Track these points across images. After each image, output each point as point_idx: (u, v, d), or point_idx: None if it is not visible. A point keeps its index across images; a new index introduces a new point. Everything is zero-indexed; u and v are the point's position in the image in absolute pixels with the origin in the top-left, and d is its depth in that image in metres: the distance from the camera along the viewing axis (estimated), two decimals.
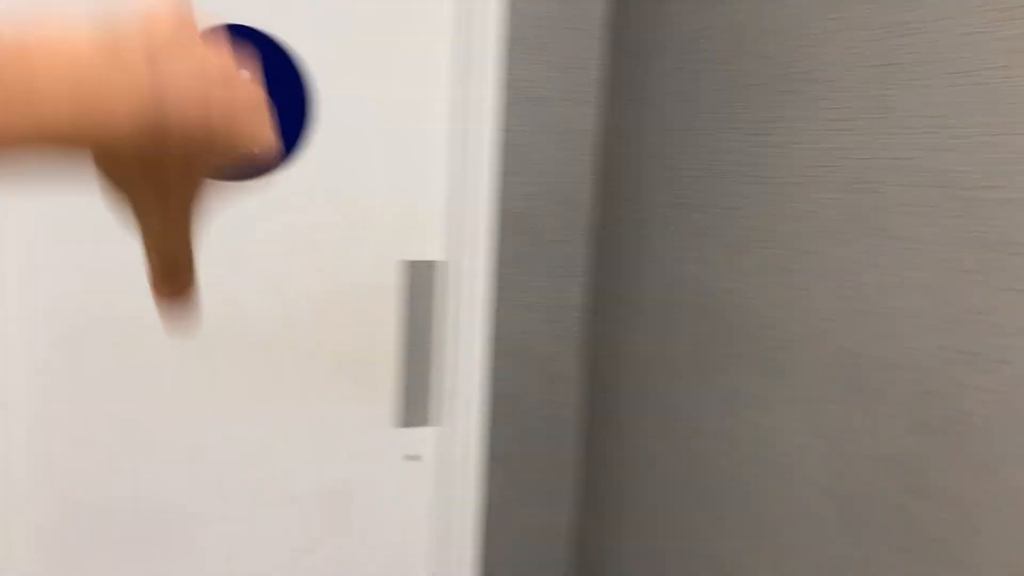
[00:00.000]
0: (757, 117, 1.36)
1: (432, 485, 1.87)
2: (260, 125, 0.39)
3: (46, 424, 1.60)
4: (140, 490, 1.66)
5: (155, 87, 0.33)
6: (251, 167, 0.40)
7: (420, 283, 1.79)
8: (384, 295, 1.78)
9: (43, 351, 1.58)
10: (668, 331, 1.59)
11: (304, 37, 1.64)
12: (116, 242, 1.58)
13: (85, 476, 1.63)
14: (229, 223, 1.65)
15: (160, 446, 1.67)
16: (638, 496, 1.69)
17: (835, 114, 1.21)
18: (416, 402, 1.83)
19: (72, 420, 1.61)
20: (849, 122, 1.19)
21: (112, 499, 1.65)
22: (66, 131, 0.30)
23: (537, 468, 1.89)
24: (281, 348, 1.72)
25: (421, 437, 1.85)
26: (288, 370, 1.73)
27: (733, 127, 1.42)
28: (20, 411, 1.58)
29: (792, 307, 1.29)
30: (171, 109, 0.33)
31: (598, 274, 1.84)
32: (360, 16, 1.67)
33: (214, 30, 0.39)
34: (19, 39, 0.30)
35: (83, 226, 1.56)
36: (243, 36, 1.60)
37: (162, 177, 0.36)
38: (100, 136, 0.31)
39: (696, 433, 1.51)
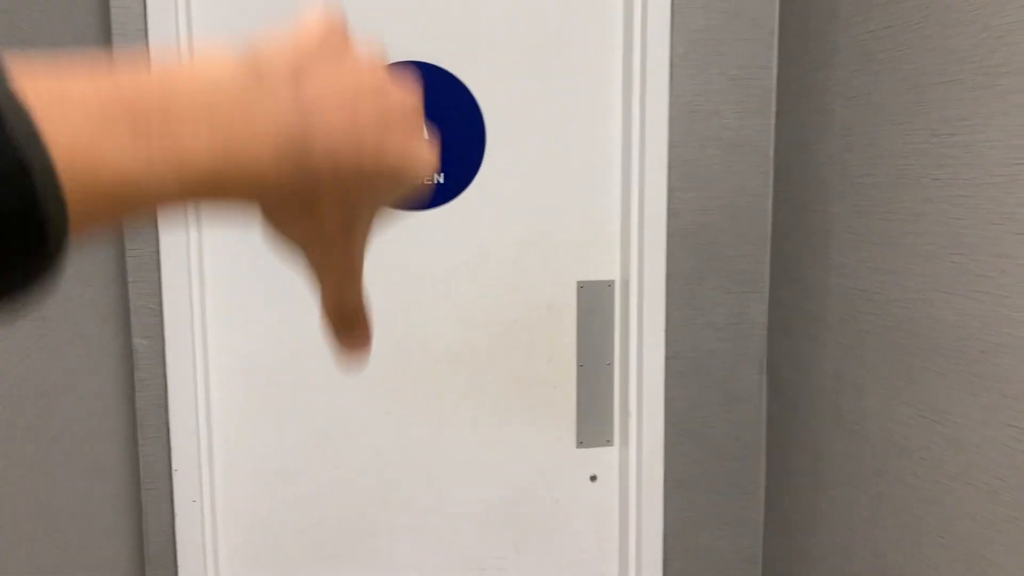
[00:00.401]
0: (944, 116, 1.28)
1: (615, 506, 1.87)
2: (414, 141, 0.35)
3: (243, 446, 1.74)
4: (333, 507, 1.77)
5: (300, 112, 0.30)
6: (409, 193, 0.37)
7: (597, 303, 1.81)
8: (561, 316, 1.81)
9: (241, 377, 1.72)
10: (855, 345, 1.52)
11: (474, 65, 1.71)
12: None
13: (280, 494, 1.76)
14: (411, 248, 1.73)
15: (351, 464, 1.77)
16: (828, 519, 1.61)
17: None
18: (595, 422, 1.84)
19: (267, 442, 1.74)
20: None
21: (306, 516, 1.77)
22: (206, 165, 0.28)
23: (721, 490, 1.84)
24: (463, 369, 1.78)
25: (602, 457, 1.85)
26: (470, 390, 1.79)
27: (918, 128, 1.34)
28: (219, 436, 1.73)
29: (991, 316, 1.20)
30: (317, 135, 0.31)
31: (778, 289, 1.78)
32: (528, 41, 1.73)
33: (369, 42, 0.36)
34: (160, 68, 0.29)
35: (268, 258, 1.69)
36: (415, 69, 1.69)
37: (317, 212, 0.33)
38: (243, 170, 0.29)
39: (889, 452, 1.43)
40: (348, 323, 0.39)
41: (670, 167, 1.74)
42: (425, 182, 0.37)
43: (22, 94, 0.25)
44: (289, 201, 0.31)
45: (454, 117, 1.72)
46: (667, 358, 1.78)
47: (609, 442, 1.85)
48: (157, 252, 1.61)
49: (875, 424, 1.47)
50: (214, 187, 0.29)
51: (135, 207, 0.27)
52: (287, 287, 1.70)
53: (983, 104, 1.21)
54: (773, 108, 1.77)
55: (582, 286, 1.80)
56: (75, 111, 0.26)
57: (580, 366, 1.82)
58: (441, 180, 1.73)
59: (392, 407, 1.77)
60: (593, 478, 1.85)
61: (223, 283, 1.69)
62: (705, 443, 1.82)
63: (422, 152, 0.36)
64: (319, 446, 1.75)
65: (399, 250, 1.73)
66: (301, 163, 0.30)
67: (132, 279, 1.61)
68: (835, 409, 1.58)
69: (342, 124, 0.32)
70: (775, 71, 1.76)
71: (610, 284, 1.81)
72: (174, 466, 1.66)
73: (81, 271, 1.43)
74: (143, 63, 0.29)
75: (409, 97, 0.36)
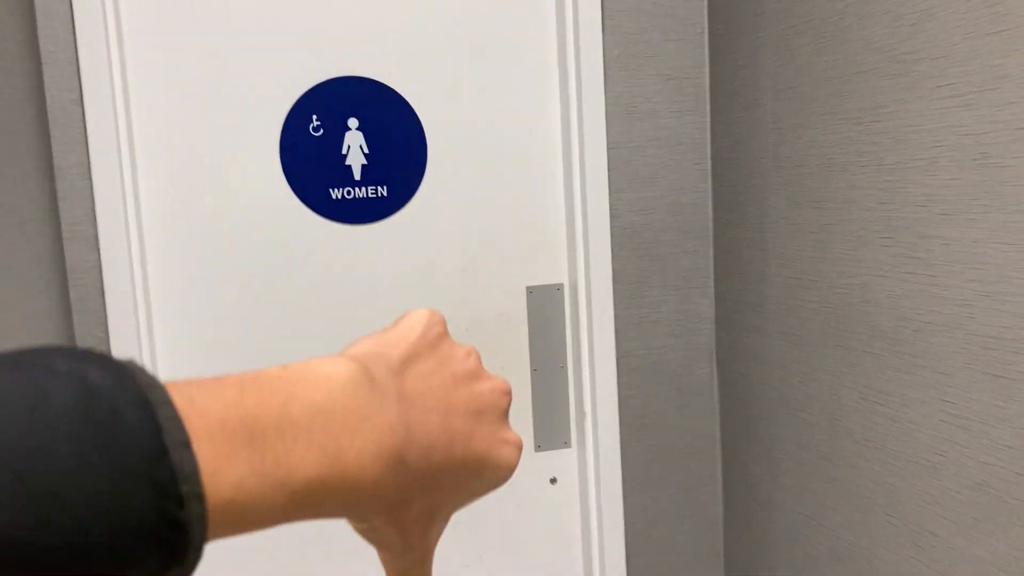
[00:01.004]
0: (866, 105, 1.32)
1: (576, 507, 1.88)
2: (501, 430, 0.37)
3: None
4: (292, 526, 1.76)
5: (402, 416, 0.31)
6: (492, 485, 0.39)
7: (546, 307, 1.82)
8: (512, 322, 1.82)
9: None
10: (798, 334, 1.54)
11: (411, 76, 1.72)
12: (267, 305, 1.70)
13: None
14: (358, 262, 1.74)
15: None
16: (783, 507, 1.64)
17: (947, 91, 1.16)
18: (552, 425, 1.85)
19: None
20: (963, 97, 1.13)
21: (264, 536, 1.76)
22: (313, 477, 0.28)
23: (679, 485, 1.86)
24: None
25: (560, 459, 1.86)
26: None
27: (843, 118, 1.38)
28: None
29: (921, 296, 1.23)
30: (416, 437, 0.32)
31: (723, 283, 1.81)
32: (464, 51, 1.74)
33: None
34: (280, 375, 0.29)
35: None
36: (353, 85, 1.70)
37: (403, 503, 0.33)
38: (347, 477, 0.29)
39: (835, 436, 1.46)
40: None
41: (610, 169, 1.76)
42: (508, 476, 0.38)
43: (175, 405, 0.25)
44: (381, 498, 0.32)
45: (394, 130, 1.72)
46: (618, 358, 1.80)
47: (567, 444, 1.86)
48: (102, 297, 1.59)
49: (821, 410, 1.49)
50: (318, 495, 0.29)
51: (241, 520, 0.27)
52: (239, 323, 1.69)
53: (901, 91, 1.24)
54: (708, 106, 1.80)
55: (531, 291, 1.81)
56: (199, 426, 0.26)
57: (534, 370, 1.83)
58: (384, 193, 1.73)
59: None
60: (553, 480, 1.86)
61: (171, 331, 1.68)
62: (661, 439, 1.84)
63: (509, 442, 0.37)
64: None
65: (346, 265, 1.73)
66: (400, 466, 0.31)
67: (78, 328, 1.59)
68: (783, 398, 1.61)
69: (438, 421, 0.33)
70: (707, 69, 1.79)
71: (559, 288, 1.82)
72: None
73: (28, 309, 1.41)
74: (264, 371, 0.29)
75: (498, 386, 0.38)
